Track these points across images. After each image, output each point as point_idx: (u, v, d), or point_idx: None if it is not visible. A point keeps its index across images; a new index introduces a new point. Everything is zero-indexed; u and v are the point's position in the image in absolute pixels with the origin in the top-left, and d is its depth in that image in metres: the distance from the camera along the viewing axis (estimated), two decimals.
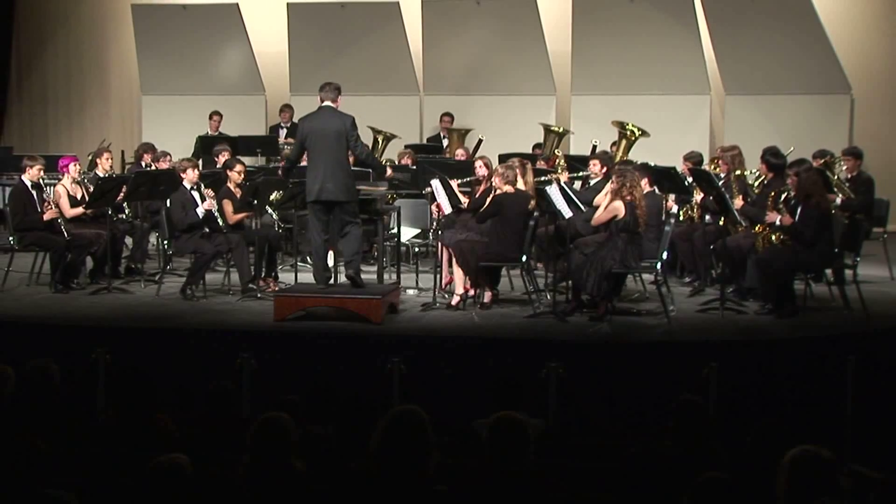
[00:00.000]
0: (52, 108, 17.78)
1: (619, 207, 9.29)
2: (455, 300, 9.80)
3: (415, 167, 12.17)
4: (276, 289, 10.32)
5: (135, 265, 11.53)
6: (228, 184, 10.90)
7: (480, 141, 11.47)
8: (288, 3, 16.07)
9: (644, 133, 12.69)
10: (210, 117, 15.13)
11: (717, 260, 10.51)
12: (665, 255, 9.71)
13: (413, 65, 15.84)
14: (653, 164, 11.35)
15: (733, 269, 10.18)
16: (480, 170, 10.50)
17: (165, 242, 10.91)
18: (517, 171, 9.85)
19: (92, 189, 11.01)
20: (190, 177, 10.70)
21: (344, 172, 9.68)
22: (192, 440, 5.79)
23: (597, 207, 9.86)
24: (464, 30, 15.89)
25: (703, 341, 8.74)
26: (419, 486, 4.68)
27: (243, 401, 8.03)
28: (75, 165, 11.31)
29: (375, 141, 14.01)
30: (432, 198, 10.70)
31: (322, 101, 9.72)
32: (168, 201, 10.72)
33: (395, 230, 10.88)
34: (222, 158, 11.99)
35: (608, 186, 9.72)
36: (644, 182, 9.80)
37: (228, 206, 10.66)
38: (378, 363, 8.14)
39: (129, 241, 11.72)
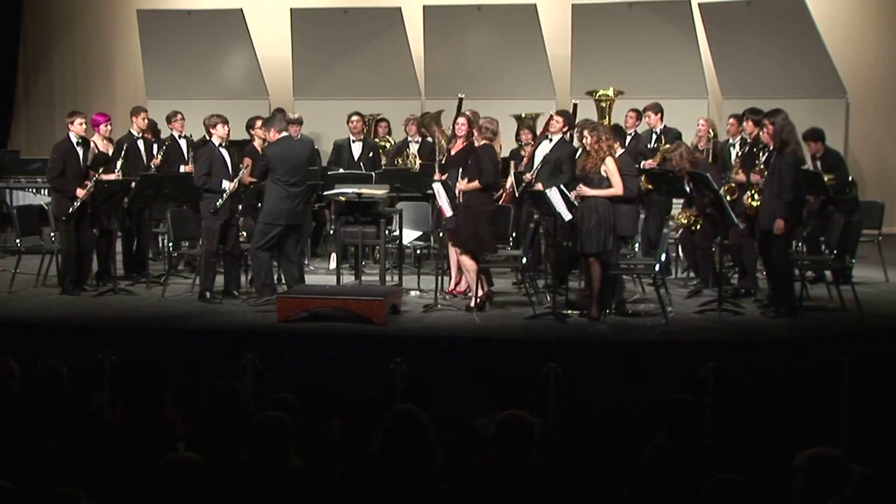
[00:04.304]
0: (59, 112, 17.73)
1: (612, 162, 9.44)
2: (478, 298, 9.81)
3: (417, 171, 12.23)
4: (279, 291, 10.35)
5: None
6: (254, 142, 11.08)
7: (461, 99, 11.43)
8: (291, 9, 16.10)
9: (620, 92, 12.77)
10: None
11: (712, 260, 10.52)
12: (663, 258, 9.75)
13: (414, 69, 15.87)
14: (649, 168, 11.40)
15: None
16: (462, 128, 10.50)
17: (171, 245, 10.96)
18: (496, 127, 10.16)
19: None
20: (220, 133, 10.44)
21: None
22: (197, 438, 5.82)
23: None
24: (465, 35, 15.93)
25: (700, 342, 8.77)
26: (423, 484, 4.71)
27: (247, 399, 8.04)
28: (106, 126, 11.26)
29: (371, 129, 13.98)
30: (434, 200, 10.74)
31: (280, 133, 10.23)
32: (192, 159, 10.83)
33: (396, 232, 10.90)
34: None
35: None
36: (616, 145, 9.85)
37: (248, 162, 10.64)
38: (380, 363, 8.15)
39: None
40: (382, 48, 15.92)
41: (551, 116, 10.80)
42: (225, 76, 16.35)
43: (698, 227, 10.58)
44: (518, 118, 12.92)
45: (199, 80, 16.14)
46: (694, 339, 8.90)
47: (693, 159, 10.50)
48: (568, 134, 10.69)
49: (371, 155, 12.95)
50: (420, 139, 13.08)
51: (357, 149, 12.96)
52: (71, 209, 10.43)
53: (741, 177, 9.90)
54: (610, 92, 12.66)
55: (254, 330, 9.17)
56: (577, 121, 10.80)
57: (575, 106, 11.86)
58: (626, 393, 8.11)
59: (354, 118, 13.04)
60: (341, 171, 12.35)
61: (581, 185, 9.42)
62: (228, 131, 10.57)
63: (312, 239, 12.91)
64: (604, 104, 12.65)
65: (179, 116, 12.41)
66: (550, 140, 10.61)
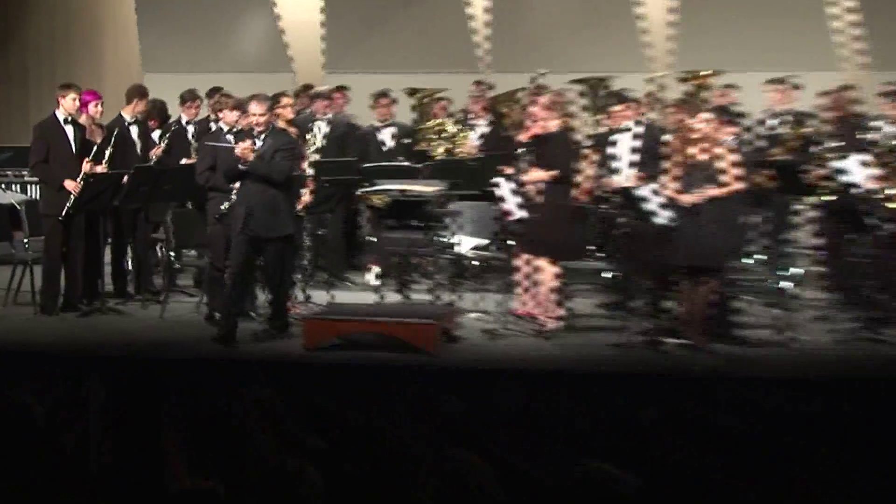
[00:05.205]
0: (34, 91, 17.82)
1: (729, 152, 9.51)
2: (550, 323, 9.96)
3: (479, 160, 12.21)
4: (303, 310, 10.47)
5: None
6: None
7: (540, 76, 11.42)
8: None
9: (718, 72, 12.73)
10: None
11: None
12: (789, 272, 9.73)
13: (472, 37, 15.85)
14: (773, 159, 11.34)
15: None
16: (540, 109, 10.48)
17: (171, 254, 11.05)
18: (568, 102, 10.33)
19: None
20: (228, 118, 10.54)
21: None
22: (203, 493, 5.89)
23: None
24: None
25: (835, 378, 8.74)
26: None
27: (266, 446, 8.11)
28: (96, 105, 11.41)
29: (421, 108, 13.97)
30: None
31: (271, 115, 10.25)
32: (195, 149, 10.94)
33: (452, 240, 10.92)
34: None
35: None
36: (727, 130, 9.84)
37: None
38: (431, 402, 8.18)
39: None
40: (432, 12, 15.93)
41: (612, 106, 10.92)
42: (239, 46, 16.46)
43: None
44: (586, 81, 12.92)
45: (207, 51, 16.25)
46: (827, 374, 8.86)
47: None
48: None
49: (407, 141, 13.05)
50: (492, 122, 12.98)
51: (387, 136, 13.08)
52: (67, 207, 10.60)
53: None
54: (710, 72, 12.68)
55: (274, 360, 9.28)
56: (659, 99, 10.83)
57: (656, 81, 11.86)
58: (736, 440, 8.07)
59: (381, 99, 13.12)
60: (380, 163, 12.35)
61: (701, 186, 9.40)
62: (240, 116, 10.51)
63: (347, 247, 12.93)
64: (700, 81, 12.65)
65: (198, 102, 12.54)
66: (628, 130, 10.62)
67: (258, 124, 9.90)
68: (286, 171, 9.94)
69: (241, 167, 9.78)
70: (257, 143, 9.83)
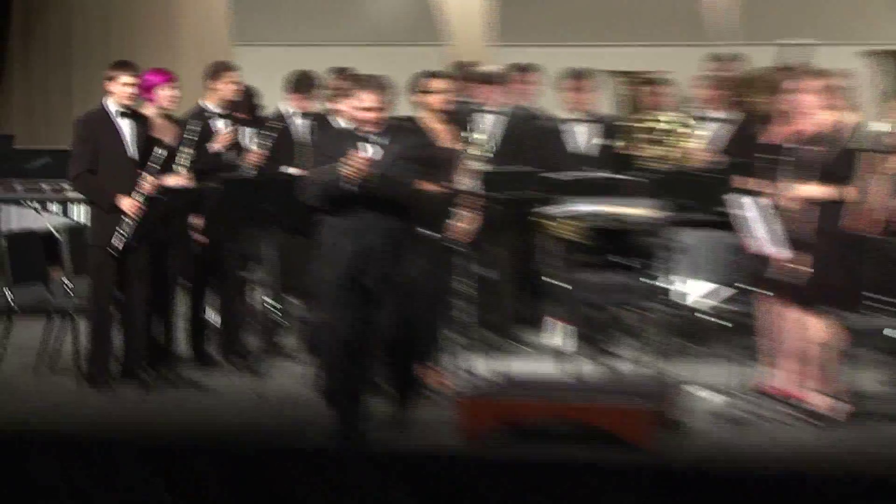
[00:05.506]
0: (79, 74, 18.09)
1: None
2: (824, 406, 9.85)
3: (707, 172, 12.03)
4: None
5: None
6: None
7: (809, 46, 11.23)
8: None
9: None
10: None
11: None
12: None
13: None
14: None
15: None
16: (806, 96, 10.30)
17: (273, 303, 11.02)
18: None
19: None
20: (346, 111, 10.31)
21: None
22: None
23: None
24: None
25: None
26: None
27: None
28: (167, 89, 11.38)
29: (632, 98, 13.87)
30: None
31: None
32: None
33: (675, 286, 10.75)
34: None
35: None
36: None
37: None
38: None
39: None
40: None
41: None
42: (369, 10, 16.54)
43: None
44: (880, 56, 12.74)
45: (322, 16, 16.35)
46: None
47: None
48: None
49: (610, 142, 13.04)
50: (735, 116, 12.82)
51: (581, 134, 13.09)
52: (119, 235, 10.61)
53: None
54: None
55: (421, 457, 9.15)
56: None
57: None
58: None
59: (573, 82, 13.16)
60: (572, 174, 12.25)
61: None
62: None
63: (521, 294, 12.82)
64: None
65: (315, 91, 12.54)
66: None
67: (370, 121, 9.77)
68: (414, 188, 9.80)
69: (348, 187, 9.58)
70: (369, 148, 9.64)
